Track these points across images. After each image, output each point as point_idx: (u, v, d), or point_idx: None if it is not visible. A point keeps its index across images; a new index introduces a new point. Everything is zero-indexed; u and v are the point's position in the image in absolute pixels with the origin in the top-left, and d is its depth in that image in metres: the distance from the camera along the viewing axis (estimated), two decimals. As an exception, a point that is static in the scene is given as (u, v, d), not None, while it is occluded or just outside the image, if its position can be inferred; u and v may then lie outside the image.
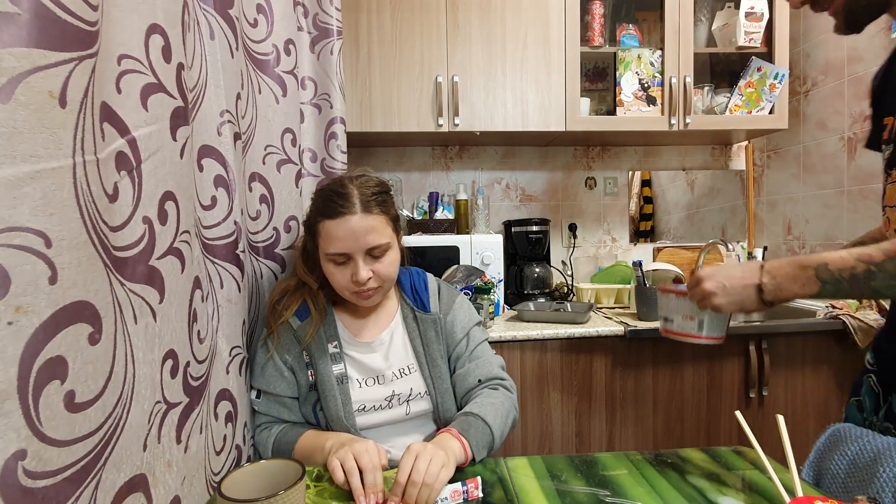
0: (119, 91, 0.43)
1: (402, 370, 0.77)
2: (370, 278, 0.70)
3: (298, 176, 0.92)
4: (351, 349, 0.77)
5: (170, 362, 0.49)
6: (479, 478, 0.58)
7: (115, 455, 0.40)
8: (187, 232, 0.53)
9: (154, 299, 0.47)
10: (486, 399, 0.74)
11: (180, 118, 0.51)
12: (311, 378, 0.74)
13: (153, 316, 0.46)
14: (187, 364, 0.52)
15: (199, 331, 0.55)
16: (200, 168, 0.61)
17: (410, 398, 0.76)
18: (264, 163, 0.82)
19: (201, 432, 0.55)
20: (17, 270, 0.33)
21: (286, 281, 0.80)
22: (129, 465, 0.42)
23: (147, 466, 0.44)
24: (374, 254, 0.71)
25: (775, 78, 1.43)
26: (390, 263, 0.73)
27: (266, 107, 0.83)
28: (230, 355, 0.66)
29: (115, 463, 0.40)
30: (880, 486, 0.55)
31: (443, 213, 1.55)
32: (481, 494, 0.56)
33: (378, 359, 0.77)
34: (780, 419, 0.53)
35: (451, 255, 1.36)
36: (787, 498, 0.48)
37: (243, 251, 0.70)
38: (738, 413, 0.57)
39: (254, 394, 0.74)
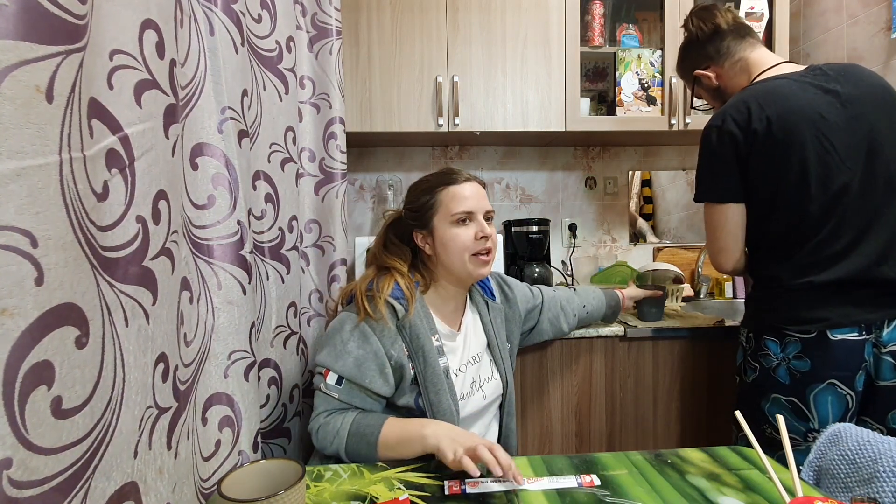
0: (111, 87, 0.42)
1: (477, 356, 0.83)
2: (490, 236, 0.79)
3: (298, 175, 0.91)
4: (446, 340, 0.79)
5: (161, 366, 0.47)
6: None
7: (104, 463, 0.39)
8: (176, 232, 0.52)
9: (147, 301, 0.45)
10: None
11: (172, 116, 0.50)
12: (411, 371, 0.74)
13: (146, 318, 0.45)
14: (176, 367, 0.51)
15: (185, 333, 0.54)
16: (194, 166, 0.60)
17: (483, 383, 0.82)
18: (269, 161, 0.81)
19: (188, 438, 0.54)
20: (3, 271, 0.31)
21: (367, 273, 0.81)
22: (119, 472, 0.41)
23: (138, 474, 0.43)
24: (487, 217, 0.81)
25: (776, 78, 1.43)
26: (495, 232, 0.81)
27: (270, 104, 0.82)
28: (229, 359, 0.64)
29: (104, 471, 0.39)
30: (880, 486, 0.54)
31: (442, 214, 1.54)
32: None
33: (462, 346, 0.82)
34: (780, 419, 0.53)
35: (451, 255, 1.35)
36: (786, 498, 0.47)
37: (250, 252, 0.68)
38: (737, 413, 0.57)
39: (333, 378, 0.72)
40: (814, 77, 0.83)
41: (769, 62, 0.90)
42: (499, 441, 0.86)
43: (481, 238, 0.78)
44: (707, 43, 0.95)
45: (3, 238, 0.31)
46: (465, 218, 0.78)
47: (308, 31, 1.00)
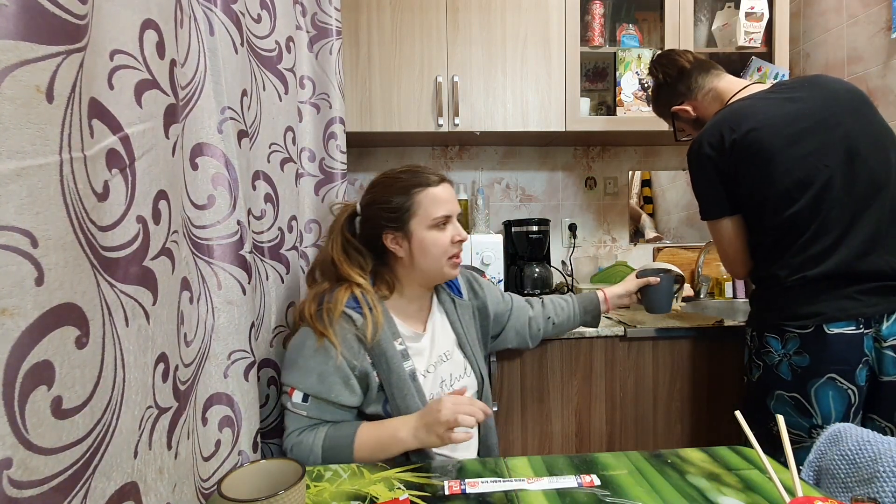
0: (111, 87, 0.42)
1: (445, 354, 0.82)
2: (465, 240, 0.79)
3: (297, 175, 0.91)
4: (410, 342, 0.78)
5: (161, 366, 0.47)
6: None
7: (104, 463, 0.39)
8: (176, 232, 0.52)
9: (147, 301, 0.45)
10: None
11: (172, 116, 0.50)
12: (377, 379, 0.73)
13: (146, 318, 0.45)
14: (176, 367, 0.51)
15: (185, 333, 0.54)
16: (194, 167, 0.60)
17: (454, 381, 0.81)
18: (269, 161, 0.81)
19: (188, 438, 0.54)
20: (3, 271, 0.31)
21: (316, 287, 0.78)
22: (119, 472, 0.41)
23: (138, 474, 0.43)
24: (458, 218, 0.80)
25: (775, 78, 1.43)
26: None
27: (270, 104, 0.82)
28: (229, 359, 0.64)
29: (104, 471, 0.39)
30: (880, 486, 0.55)
31: (442, 214, 1.54)
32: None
33: (429, 346, 0.81)
34: (780, 419, 0.53)
35: (451, 255, 1.35)
36: (786, 498, 0.47)
37: (250, 252, 0.68)
38: (737, 413, 0.57)
39: (298, 396, 0.71)
40: (779, 91, 0.89)
41: (738, 86, 0.96)
42: (479, 438, 0.84)
43: (457, 241, 0.78)
44: (676, 83, 1.02)
45: (3, 238, 0.31)
46: (444, 222, 0.77)
47: (308, 31, 1.00)
